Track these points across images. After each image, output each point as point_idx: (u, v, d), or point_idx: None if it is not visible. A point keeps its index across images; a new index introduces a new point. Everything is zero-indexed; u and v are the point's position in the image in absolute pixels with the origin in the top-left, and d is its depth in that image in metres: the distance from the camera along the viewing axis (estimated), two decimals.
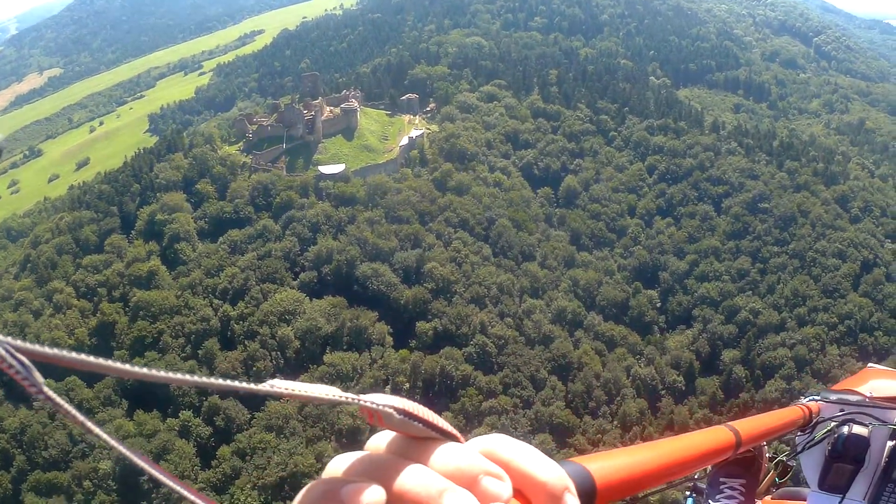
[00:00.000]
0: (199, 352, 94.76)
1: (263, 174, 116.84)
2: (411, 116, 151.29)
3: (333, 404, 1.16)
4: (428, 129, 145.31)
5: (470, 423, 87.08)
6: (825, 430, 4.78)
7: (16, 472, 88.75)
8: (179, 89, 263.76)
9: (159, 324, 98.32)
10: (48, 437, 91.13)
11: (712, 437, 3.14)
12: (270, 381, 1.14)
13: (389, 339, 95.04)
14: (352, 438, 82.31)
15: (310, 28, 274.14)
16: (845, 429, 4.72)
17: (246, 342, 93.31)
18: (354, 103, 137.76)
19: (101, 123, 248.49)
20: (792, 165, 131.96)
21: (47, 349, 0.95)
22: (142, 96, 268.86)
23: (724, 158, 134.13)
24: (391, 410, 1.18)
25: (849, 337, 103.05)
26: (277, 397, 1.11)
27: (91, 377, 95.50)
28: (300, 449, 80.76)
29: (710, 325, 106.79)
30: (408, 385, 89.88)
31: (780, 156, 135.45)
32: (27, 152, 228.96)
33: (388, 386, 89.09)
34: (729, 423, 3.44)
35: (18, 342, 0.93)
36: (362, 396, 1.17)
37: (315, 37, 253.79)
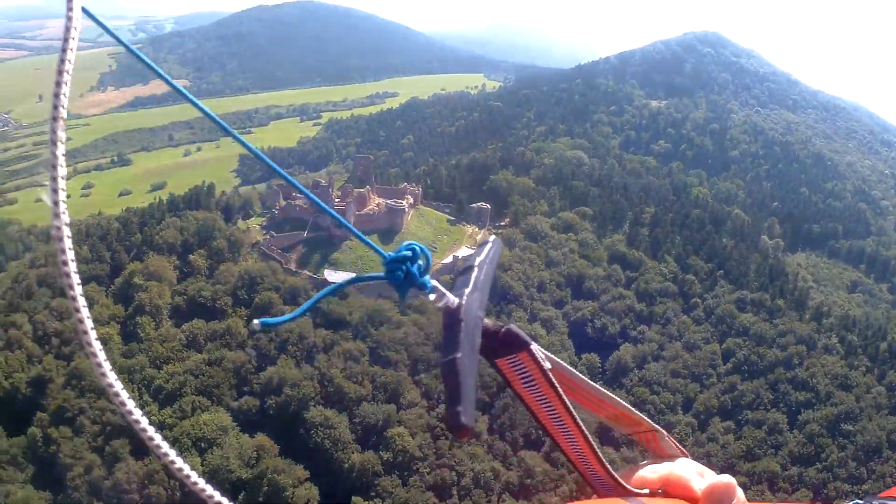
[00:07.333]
0: (107, 448, 79.07)
1: (259, 264, 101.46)
2: (475, 229, 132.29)
3: None
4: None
5: None
6: None
7: None
8: (287, 134, 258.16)
9: (83, 401, 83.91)
10: None
11: None
12: None
13: None
14: None
15: (429, 103, 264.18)
16: None
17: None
18: (404, 203, 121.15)
19: (198, 149, 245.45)
20: (895, 379, 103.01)
21: None
22: (250, 132, 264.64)
23: (818, 357, 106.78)
24: None
25: None
26: None
27: None
28: None
29: None
30: None
31: (884, 364, 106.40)
32: (115, 158, 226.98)
33: None
34: None
35: None
36: None
37: (429, 113, 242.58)
